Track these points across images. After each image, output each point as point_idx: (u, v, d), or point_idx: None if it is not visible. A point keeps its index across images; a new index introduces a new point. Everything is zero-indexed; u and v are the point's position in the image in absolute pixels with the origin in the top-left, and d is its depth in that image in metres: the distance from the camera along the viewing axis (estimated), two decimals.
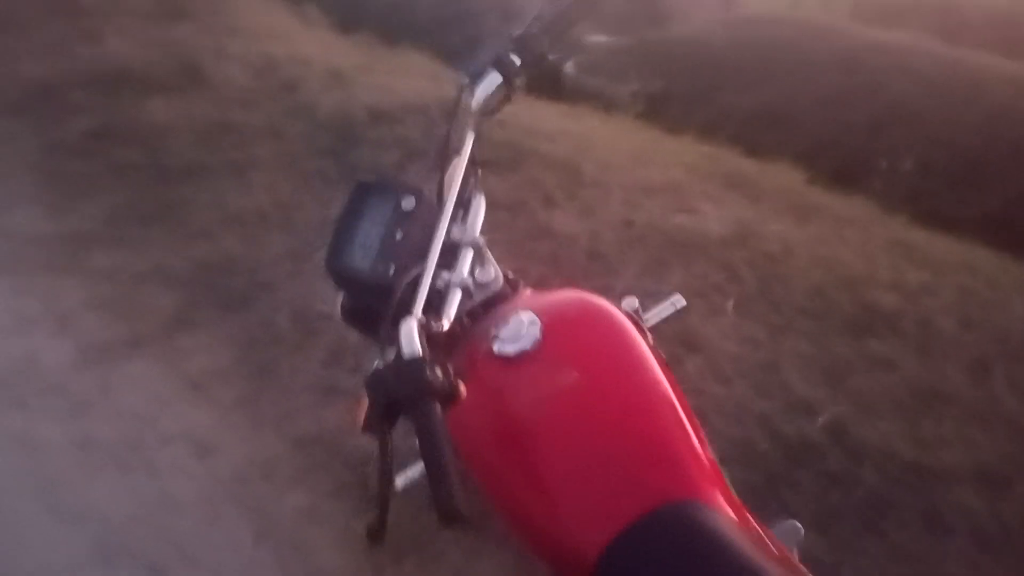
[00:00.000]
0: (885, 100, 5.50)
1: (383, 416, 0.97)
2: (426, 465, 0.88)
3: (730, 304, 2.48)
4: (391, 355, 1.22)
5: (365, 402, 1.25)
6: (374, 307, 1.20)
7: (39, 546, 1.96)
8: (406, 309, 1.13)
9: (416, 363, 0.93)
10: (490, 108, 1.28)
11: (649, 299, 1.29)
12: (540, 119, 3.88)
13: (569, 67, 6.76)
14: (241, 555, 1.94)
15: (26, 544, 1.96)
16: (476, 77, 1.25)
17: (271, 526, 2.02)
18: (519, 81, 1.27)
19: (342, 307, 1.29)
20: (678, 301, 1.38)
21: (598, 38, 7.87)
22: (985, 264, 2.76)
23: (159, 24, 5.40)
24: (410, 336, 1.00)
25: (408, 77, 4.41)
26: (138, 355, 2.60)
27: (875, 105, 5.48)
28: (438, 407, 0.90)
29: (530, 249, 2.63)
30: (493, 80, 1.24)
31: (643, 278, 2.56)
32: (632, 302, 1.26)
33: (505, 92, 1.27)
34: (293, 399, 2.38)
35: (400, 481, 1.33)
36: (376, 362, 1.21)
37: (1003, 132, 4.90)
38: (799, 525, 1.11)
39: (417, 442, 0.92)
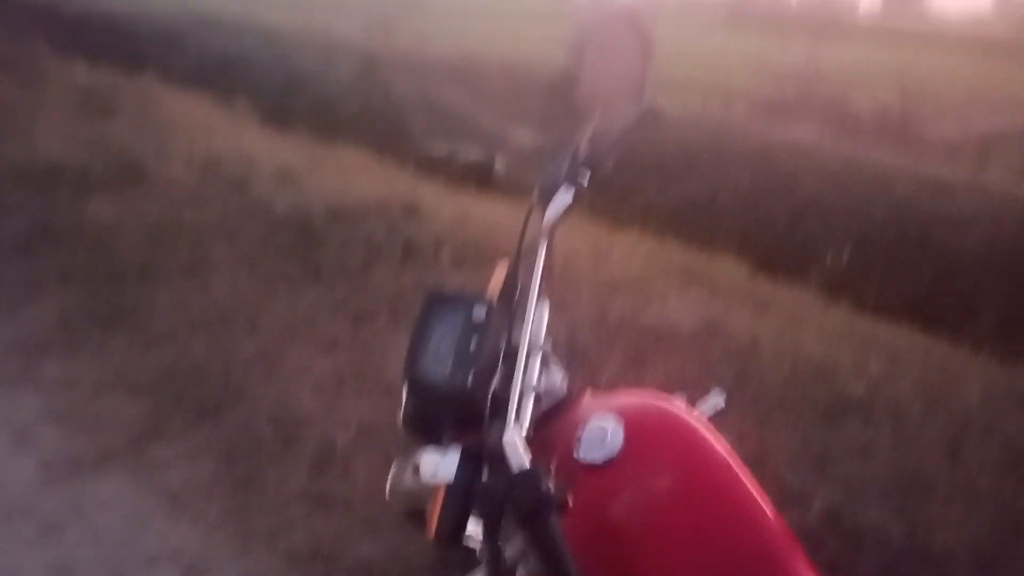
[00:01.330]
0: (800, 195, 5.90)
1: (491, 528, 0.98)
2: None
3: (713, 390, 2.56)
4: (457, 465, 1.23)
5: (435, 510, 1.25)
6: (441, 416, 1.22)
7: None
8: (498, 418, 1.15)
9: (532, 475, 0.95)
10: (557, 220, 1.34)
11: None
12: (493, 215, 3.99)
13: (498, 162, 6.97)
14: None
15: None
16: (548, 194, 1.32)
17: None
18: (585, 195, 1.34)
19: (404, 415, 1.30)
20: (717, 397, 1.45)
21: (522, 135, 8.17)
22: (932, 350, 2.96)
23: (88, 121, 5.32)
24: (516, 448, 1.02)
25: (356, 174, 4.47)
26: (108, 470, 2.47)
27: (792, 200, 5.86)
28: (557, 518, 0.93)
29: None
30: (565, 196, 1.31)
31: (625, 372, 2.63)
32: (680, 398, 1.32)
33: (571, 205, 1.34)
34: (283, 511, 2.30)
35: None
36: (449, 472, 1.21)
37: (910, 225, 5.32)
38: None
39: (535, 556, 0.94)
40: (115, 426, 2.63)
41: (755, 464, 2.41)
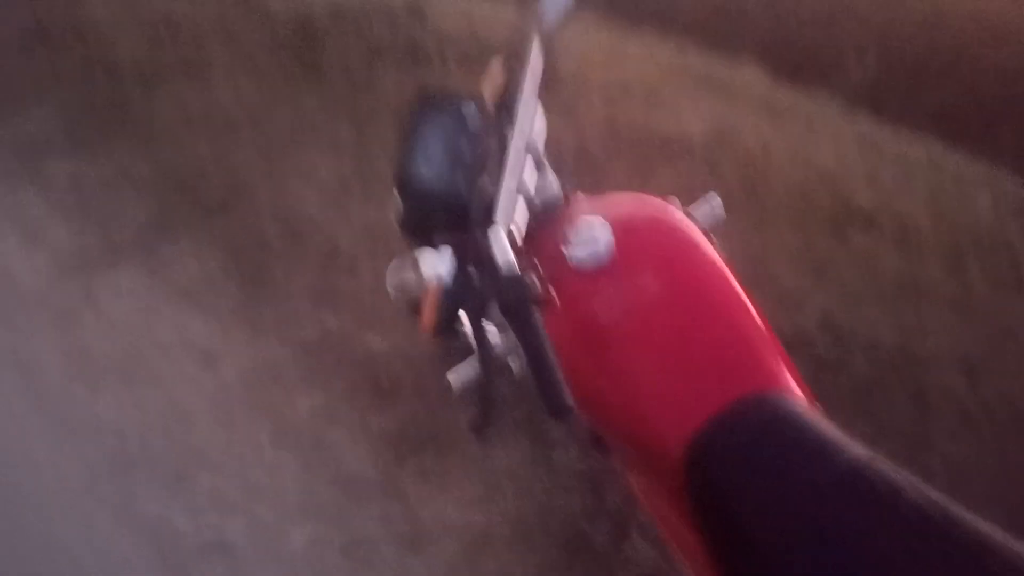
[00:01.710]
0: None
1: (476, 321, 1.00)
2: (532, 366, 0.92)
3: (708, 193, 2.54)
4: (450, 263, 1.24)
5: (429, 305, 1.27)
6: (436, 218, 1.21)
7: (53, 462, 1.94)
8: (480, 218, 1.14)
9: (514, 270, 0.96)
10: (556, 22, 1.27)
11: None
12: (504, 15, 3.80)
13: None
14: (262, 457, 1.96)
15: (39, 462, 1.94)
16: None
17: (287, 428, 2.04)
18: None
19: (399, 218, 1.30)
20: (712, 198, 1.43)
21: None
22: (948, 161, 2.89)
23: None
24: (502, 244, 1.02)
25: None
26: (118, 265, 2.53)
27: (823, 2, 5.53)
28: (538, 312, 0.94)
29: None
30: None
31: (631, 177, 2.59)
32: (674, 200, 1.31)
33: (570, 6, 1.26)
34: (291, 304, 2.36)
35: (453, 379, 1.38)
36: (444, 269, 1.23)
37: (944, 35, 5.03)
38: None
39: (520, 345, 0.96)
40: (122, 222, 2.67)
41: (755, 265, 2.43)
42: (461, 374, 1.19)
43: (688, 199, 2.36)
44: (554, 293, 0.97)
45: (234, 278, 2.45)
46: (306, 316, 2.31)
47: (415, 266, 1.76)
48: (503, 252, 1.00)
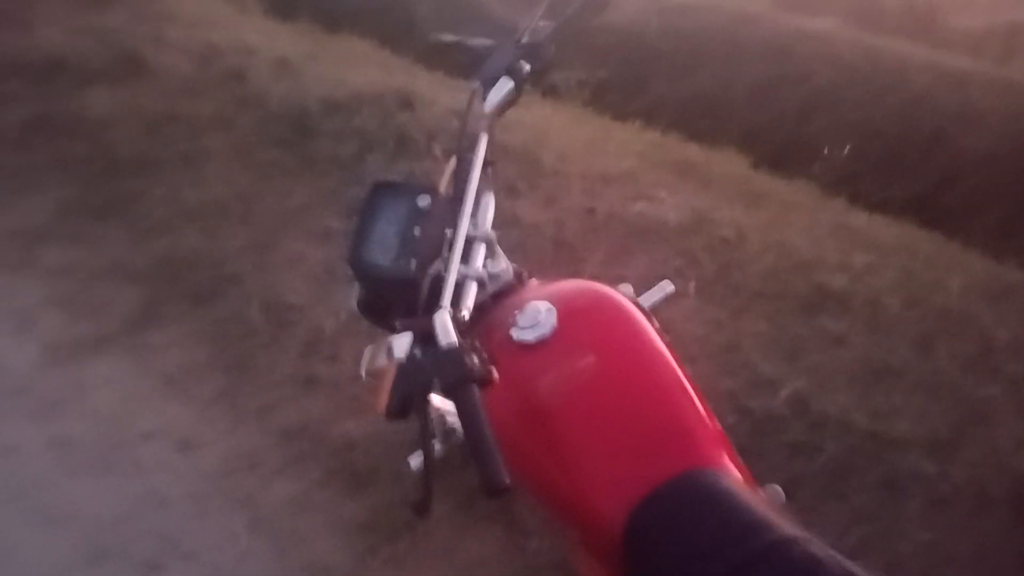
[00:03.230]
0: (813, 87, 5.73)
1: (421, 401, 1.04)
2: (470, 443, 0.96)
3: (691, 287, 2.60)
4: (408, 346, 1.29)
5: (385, 388, 1.32)
6: (390, 301, 1.27)
7: (27, 550, 1.95)
8: (433, 302, 1.20)
9: (456, 351, 1.01)
10: (500, 110, 1.35)
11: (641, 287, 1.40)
12: None
13: None
14: (236, 547, 1.97)
15: (12, 549, 1.95)
16: (489, 83, 1.33)
17: (263, 517, 2.05)
18: (527, 85, 1.34)
19: (358, 301, 1.36)
20: (667, 286, 1.50)
21: (536, 23, 7.95)
22: (922, 245, 2.95)
23: (88, 11, 5.24)
24: (445, 326, 1.07)
25: (356, 66, 4.40)
26: (106, 353, 2.58)
27: (804, 92, 5.71)
28: (477, 390, 0.98)
29: (498, 238, 2.70)
30: (505, 85, 1.32)
31: (609, 265, 2.66)
32: (628, 288, 1.37)
33: (514, 95, 1.35)
34: (273, 391, 2.40)
35: (414, 462, 1.42)
36: (402, 352, 1.28)
37: (923, 118, 5.18)
38: (780, 489, 1.23)
39: (459, 423, 1.00)
40: (112, 311, 2.73)
41: (730, 351, 2.47)
42: (420, 458, 1.23)
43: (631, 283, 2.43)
44: (496, 372, 1.01)
45: (219, 366, 2.50)
46: (287, 403, 2.35)
47: (387, 350, 1.82)
48: (445, 333, 1.05)
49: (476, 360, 1.00)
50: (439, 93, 4.03)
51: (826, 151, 4.12)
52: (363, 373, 2.08)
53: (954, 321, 2.47)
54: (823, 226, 3.06)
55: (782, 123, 5.25)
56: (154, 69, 4.16)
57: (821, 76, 5.87)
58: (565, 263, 2.68)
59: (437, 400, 1.20)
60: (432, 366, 1.02)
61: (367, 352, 2.00)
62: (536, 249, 2.72)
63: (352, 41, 5.32)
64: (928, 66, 5.82)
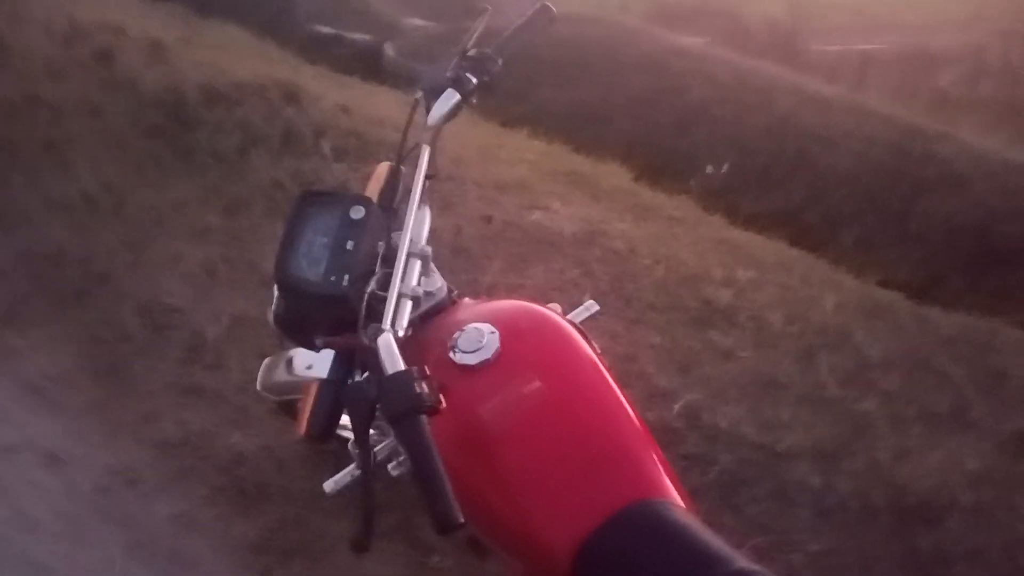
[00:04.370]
0: (688, 103, 5.97)
1: (361, 428, 0.98)
2: (419, 477, 0.91)
3: (587, 298, 2.62)
4: (330, 366, 1.23)
5: (306, 409, 1.24)
6: (314, 316, 1.20)
7: None
8: (367, 320, 1.14)
9: (404, 377, 0.96)
10: (443, 122, 1.31)
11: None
12: (379, 106, 3.86)
13: (389, 49, 6.71)
14: (113, 572, 1.82)
15: None
16: (433, 94, 1.28)
17: (143, 538, 1.91)
18: (472, 98, 1.30)
19: (275, 313, 1.27)
20: (592, 306, 1.49)
21: (415, 21, 7.85)
22: (796, 263, 3.11)
23: None
24: (390, 350, 1.02)
25: (235, 54, 4.21)
26: None
27: (679, 106, 5.93)
28: (425, 420, 0.94)
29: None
30: (450, 97, 1.28)
31: (507, 273, 2.65)
32: (556, 308, 1.35)
33: (459, 108, 1.31)
34: (150, 401, 2.24)
35: (329, 487, 1.34)
36: (323, 371, 1.21)
37: (788, 138, 5.50)
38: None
39: (406, 455, 0.95)
40: None
41: (626, 363, 2.50)
42: (339, 483, 1.16)
43: (561, 297, 2.45)
44: (443, 399, 0.97)
45: (89, 373, 2.31)
46: (167, 415, 2.20)
47: (289, 366, 1.72)
48: (391, 357, 1.00)
49: (424, 387, 0.95)
50: (326, 88, 3.92)
51: (708, 169, 4.27)
52: (259, 387, 1.97)
53: (831, 337, 2.61)
54: (706, 241, 3.17)
55: (660, 136, 5.42)
56: (11, 47, 3.81)
57: (695, 92, 6.11)
58: (464, 270, 2.64)
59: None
60: (377, 393, 0.96)
61: (265, 365, 1.89)
62: (435, 254, 2.67)
63: (228, 27, 5.10)
64: (792, 89, 6.17)
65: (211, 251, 2.80)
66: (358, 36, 7.06)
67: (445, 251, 2.70)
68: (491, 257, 2.70)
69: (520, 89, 5.94)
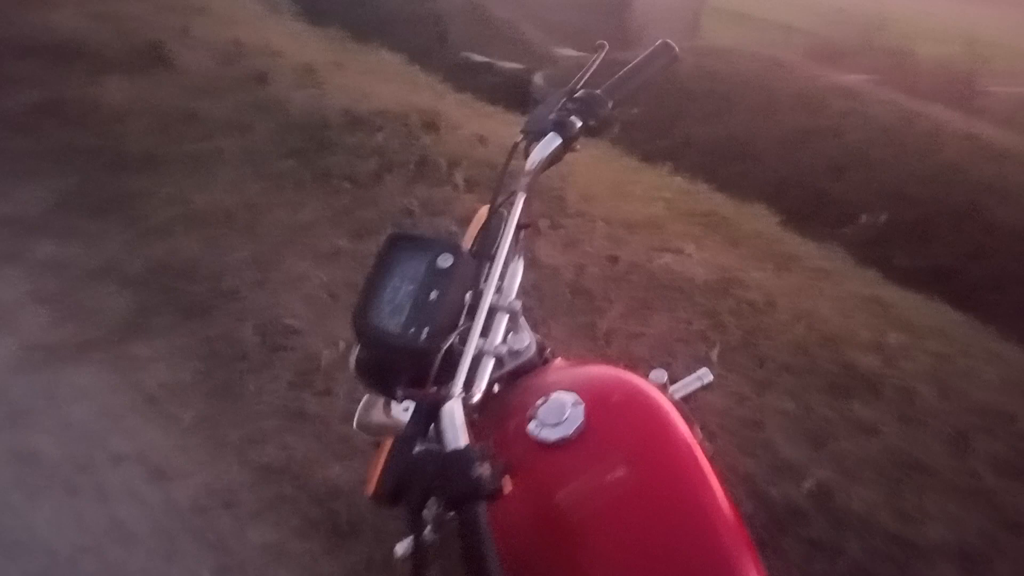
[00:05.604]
0: (845, 145, 5.62)
1: (416, 503, 0.88)
2: (469, 567, 0.80)
3: (715, 353, 2.44)
4: (409, 418, 1.13)
5: (376, 468, 1.15)
6: (394, 368, 1.11)
7: None
8: (444, 376, 1.04)
9: (464, 457, 0.85)
10: (543, 167, 1.20)
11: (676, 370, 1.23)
12: (514, 131, 3.81)
13: (538, 78, 6.71)
14: None
15: None
16: (534, 136, 1.17)
17: (232, 563, 1.88)
18: (576, 144, 1.19)
19: (356, 360, 1.20)
20: (705, 376, 1.32)
21: (568, 51, 7.85)
22: (957, 329, 2.80)
23: None
24: (454, 422, 0.91)
25: (383, 80, 4.29)
26: (86, 361, 2.42)
27: (835, 149, 5.59)
28: (484, 507, 0.82)
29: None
30: (552, 143, 1.16)
31: (628, 319, 2.51)
32: (661, 375, 1.20)
33: (560, 153, 1.19)
34: (258, 423, 2.24)
35: (400, 549, 1.24)
36: (413, 442, 1.11)
37: (955, 188, 5.05)
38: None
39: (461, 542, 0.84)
40: (99, 316, 2.58)
41: (750, 429, 2.29)
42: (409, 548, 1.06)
43: (684, 350, 2.24)
44: (510, 484, 0.85)
45: (203, 389, 2.34)
46: (272, 438, 2.19)
47: (387, 406, 1.63)
48: (454, 431, 0.89)
49: (487, 469, 0.83)
50: (466, 117, 3.91)
51: (863, 218, 3.96)
52: (355, 424, 1.91)
53: (990, 418, 2.31)
54: (855, 297, 2.91)
55: (812, 179, 5.11)
56: (175, 63, 4.04)
57: (853, 133, 5.75)
58: (582, 312, 2.52)
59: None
60: (435, 471, 0.85)
61: (364, 402, 1.83)
62: (552, 294, 2.57)
63: (381, 52, 5.22)
64: (963, 134, 5.70)
65: (336, 274, 2.81)
66: (509, 65, 7.12)
67: (564, 290, 2.59)
68: (612, 301, 2.57)
69: (664, 122, 5.78)
